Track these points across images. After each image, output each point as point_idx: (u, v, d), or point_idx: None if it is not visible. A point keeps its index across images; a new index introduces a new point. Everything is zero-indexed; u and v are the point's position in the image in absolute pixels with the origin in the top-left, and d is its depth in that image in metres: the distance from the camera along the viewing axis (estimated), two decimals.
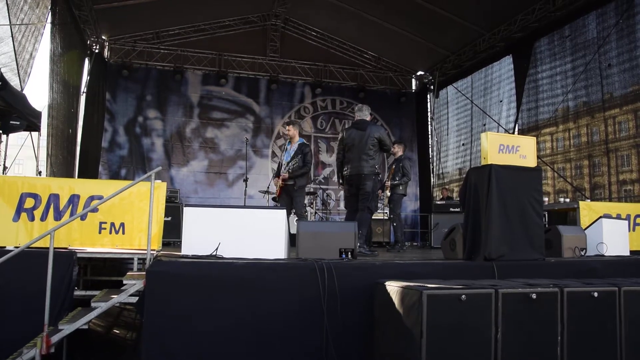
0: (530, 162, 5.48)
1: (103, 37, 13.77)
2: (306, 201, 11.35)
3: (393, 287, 4.04)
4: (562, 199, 9.71)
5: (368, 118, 7.23)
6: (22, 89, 8.11)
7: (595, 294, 4.15)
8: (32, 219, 5.57)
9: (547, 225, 7.25)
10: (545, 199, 10.84)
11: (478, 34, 13.09)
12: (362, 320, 4.44)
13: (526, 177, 5.36)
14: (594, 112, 10.40)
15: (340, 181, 7.31)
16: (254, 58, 15.02)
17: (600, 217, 6.91)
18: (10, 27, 7.69)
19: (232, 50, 14.81)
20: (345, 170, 7.01)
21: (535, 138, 5.96)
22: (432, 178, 15.83)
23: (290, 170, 7.38)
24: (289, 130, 7.70)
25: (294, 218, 7.32)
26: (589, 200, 8.94)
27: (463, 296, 3.71)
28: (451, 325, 3.69)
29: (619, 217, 7.71)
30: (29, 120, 7.83)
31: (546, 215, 8.69)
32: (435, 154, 15.91)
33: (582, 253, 6.33)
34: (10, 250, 4.58)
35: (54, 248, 4.53)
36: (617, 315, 4.20)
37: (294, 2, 13.69)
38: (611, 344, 4.18)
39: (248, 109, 14.93)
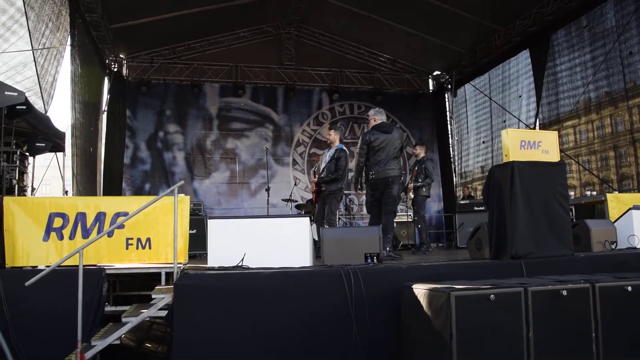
0: (553, 156, 5.42)
1: (121, 56, 14.01)
2: (341, 207, 11.28)
3: (420, 290, 4.02)
4: (588, 192, 9.53)
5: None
6: (46, 111, 8.29)
7: (629, 288, 4.07)
8: (61, 238, 5.66)
9: (574, 220, 7.12)
10: (572, 192, 10.65)
11: (493, 30, 12.96)
12: (391, 324, 4.42)
13: (550, 172, 5.29)
14: (617, 102, 10.20)
15: (359, 186, 7.12)
16: (270, 67, 15.11)
17: (630, 208, 6.74)
18: (33, 52, 7.88)
19: (248, 61, 14.93)
20: (371, 175, 6.82)
21: (556, 132, 5.89)
22: (454, 177, 15.70)
23: (322, 175, 7.35)
24: (329, 134, 7.63)
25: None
26: (616, 192, 8.76)
27: (492, 296, 3.67)
28: (481, 325, 3.65)
29: None
30: (54, 141, 8.00)
31: (573, 209, 8.53)
32: (456, 153, 15.78)
33: (613, 246, 6.20)
34: (42, 270, 4.67)
35: (84, 265, 4.60)
36: None
37: (307, 9, 13.75)
38: None
39: (267, 118, 15.02)
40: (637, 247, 6.27)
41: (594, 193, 9.44)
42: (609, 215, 7.54)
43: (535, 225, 5.09)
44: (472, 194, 13.95)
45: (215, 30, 14.41)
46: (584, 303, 3.94)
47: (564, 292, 3.85)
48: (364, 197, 7.42)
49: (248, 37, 14.98)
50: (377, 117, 7.06)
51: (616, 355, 3.94)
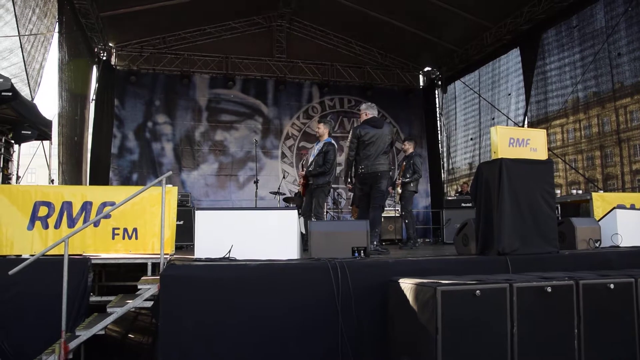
0: (541, 154, 5.45)
1: (110, 44, 13.86)
2: (329, 201, 11.29)
3: (407, 285, 4.03)
4: (574, 191, 9.63)
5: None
6: (32, 99, 8.18)
7: (612, 286, 4.11)
8: (46, 227, 5.62)
9: (560, 218, 7.19)
10: (558, 191, 10.75)
11: (484, 27, 13.00)
12: (377, 318, 4.43)
13: (537, 170, 5.33)
14: (605, 102, 10.30)
15: (349, 180, 7.14)
16: (261, 59, 15.05)
17: (614, 207, 6.83)
18: (20, 38, 7.77)
19: (239, 53, 14.85)
20: (361, 169, 6.82)
21: (545, 130, 5.93)
22: (442, 174, 15.77)
23: (310, 169, 7.35)
24: (318, 128, 7.59)
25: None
26: (601, 192, 8.86)
27: (477, 291, 3.69)
28: (466, 321, 3.67)
29: (632, 207, 7.63)
30: (40, 130, 7.90)
31: (559, 207, 8.62)
32: (445, 149, 15.84)
33: (597, 245, 6.27)
34: (26, 259, 4.63)
35: (69, 255, 4.56)
36: (634, 307, 4.16)
37: (299, 2, 13.69)
38: (628, 335, 4.15)
39: (256, 110, 14.96)
40: (620, 245, 6.36)
41: (580, 192, 9.54)
42: (593, 214, 7.64)
43: (522, 222, 5.13)
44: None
45: (206, 20, 14.29)
46: (568, 300, 3.97)
47: (549, 289, 3.88)
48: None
49: (239, 29, 14.88)
50: (368, 111, 7.05)
51: (597, 350, 3.99)
